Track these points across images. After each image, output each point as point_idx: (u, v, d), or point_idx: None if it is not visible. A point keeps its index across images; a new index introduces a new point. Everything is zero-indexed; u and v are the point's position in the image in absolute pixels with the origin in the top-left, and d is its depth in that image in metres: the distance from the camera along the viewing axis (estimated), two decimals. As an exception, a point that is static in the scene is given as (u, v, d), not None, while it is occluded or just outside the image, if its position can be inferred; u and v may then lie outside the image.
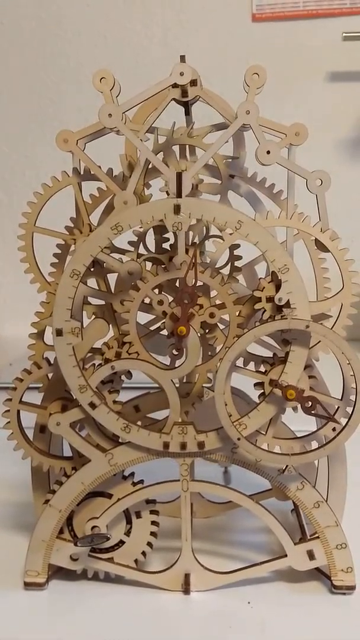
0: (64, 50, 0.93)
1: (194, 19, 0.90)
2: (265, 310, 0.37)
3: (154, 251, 0.41)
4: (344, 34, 0.83)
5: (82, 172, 0.39)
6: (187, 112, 0.41)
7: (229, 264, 0.42)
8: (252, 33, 0.89)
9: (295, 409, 0.38)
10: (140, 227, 0.41)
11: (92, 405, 0.37)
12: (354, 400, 0.37)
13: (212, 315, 0.37)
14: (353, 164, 0.90)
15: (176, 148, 0.41)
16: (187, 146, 0.41)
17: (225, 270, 0.41)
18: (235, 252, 0.42)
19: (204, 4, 0.89)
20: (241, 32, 0.89)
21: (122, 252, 0.41)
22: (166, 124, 0.41)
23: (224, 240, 0.39)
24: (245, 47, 0.89)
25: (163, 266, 0.37)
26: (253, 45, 0.89)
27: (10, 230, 0.96)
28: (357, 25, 0.85)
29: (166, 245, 0.41)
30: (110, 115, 0.36)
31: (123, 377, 0.40)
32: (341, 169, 0.89)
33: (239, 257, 0.42)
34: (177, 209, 0.35)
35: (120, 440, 0.39)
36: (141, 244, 0.42)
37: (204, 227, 0.42)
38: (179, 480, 0.39)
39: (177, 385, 0.38)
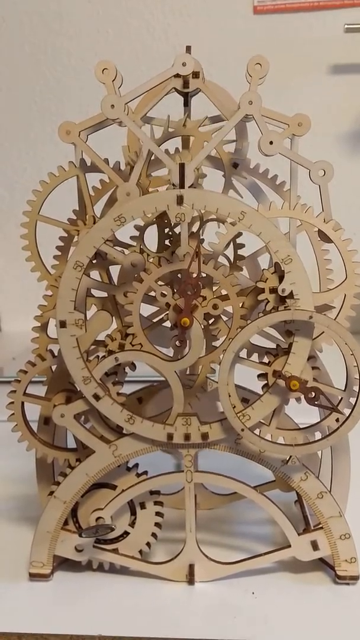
0: (65, 46, 0.93)
1: (195, 13, 0.90)
2: (268, 302, 0.37)
3: (153, 248, 0.41)
4: (346, 26, 0.83)
5: (89, 164, 0.39)
6: (186, 103, 0.41)
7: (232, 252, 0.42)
8: (253, 25, 0.89)
9: (298, 399, 0.38)
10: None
11: (96, 397, 0.38)
12: (357, 391, 0.37)
13: (215, 307, 0.37)
14: (355, 155, 0.90)
15: (178, 140, 0.41)
16: (185, 138, 0.41)
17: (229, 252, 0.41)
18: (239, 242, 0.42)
19: (205, -3, 0.89)
20: (243, 25, 0.89)
21: (125, 246, 0.41)
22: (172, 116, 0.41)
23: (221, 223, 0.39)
24: (247, 40, 0.88)
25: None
26: (254, 38, 0.89)
27: (12, 225, 0.96)
28: (359, 17, 0.85)
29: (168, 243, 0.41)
30: (112, 106, 0.36)
31: (127, 369, 0.40)
32: (343, 160, 0.89)
33: (242, 246, 0.41)
34: (180, 200, 0.35)
35: (124, 432, 0.39)
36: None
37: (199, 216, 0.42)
38: (182, 472, 0.39)
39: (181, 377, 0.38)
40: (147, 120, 0.40)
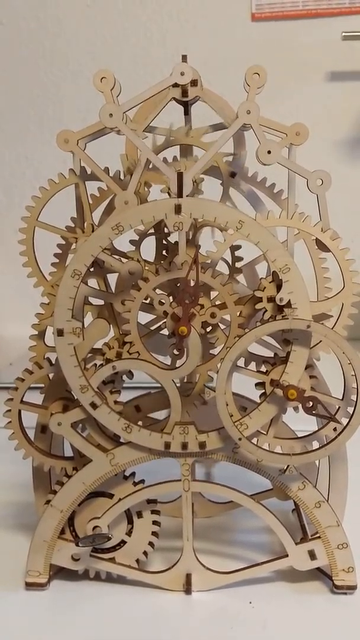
0: (64, 51, 0.93)
1: (193, 19, 0.90)
2: (266, 310, 0.37)
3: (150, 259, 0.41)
4: (344, 34, 0.83)
5: (89, 172, 0.39)
6: (187, 112, 0.41)
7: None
8: (251, 32, 0.89)
9: (296, 409, 0.38)
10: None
11: (93, 406, 0.37)
12: (355, 400, 0.37)
13: (213, 315, 0.37)
14: (353, 163, 0.90)
15: (176, 148, 0.42)
16: (184, 146, 0.41)
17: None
18: (236, 253, 0.42)
19: (204, 3, 0.89)
20: (240, 32, 0.89)
21: (123, 255, 0.41)
22: (167, 124, 0.41)
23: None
24: (245, 47, 0.89)
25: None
26: (252, 45, 0.89)
27: (10, 230, 0.95)
28: (356, 25, 0.86)
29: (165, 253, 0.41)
30: (111, 115, 0.36)
31: (124, 377, 0.40)
32: (341, 168, 0.89)
33: (238, 247, 0.41)
34: (178, 209, 0.35)
35: (121, 440, 0.39)
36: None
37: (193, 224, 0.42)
38: (180, 480, 0.39)
39: (178, 385, 0.38)
40: (149, 129, 0.40)
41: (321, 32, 0.87)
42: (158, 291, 0.37)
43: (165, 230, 0.41)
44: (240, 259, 0.42)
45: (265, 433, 0.38)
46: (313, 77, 0.89)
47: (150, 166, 0.38)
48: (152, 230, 0.42)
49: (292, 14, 0.87)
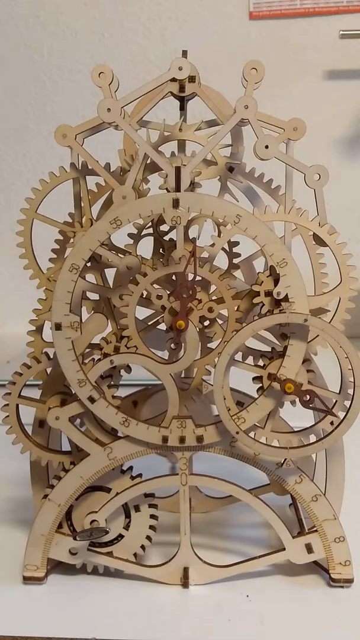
0: (62, 49, 0.93)
1: (191, 17, 0.90)
2: (263, 305, 0.37)
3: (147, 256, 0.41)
4: (341, 32, 0.83)
5: (90, 168, 0.39)
6: (182, 107, 0.41)
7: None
8: (249, 31, 0.89)
9: (293, 402, 0.38)
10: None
11: (91, 400, 0.37)
12: (351, 394, 0.37)
13: (210, 310, 0.37)
14: (350, 161, 0.90)
15: (175, 143, 0.42)
16: (181, 141, 0.41)
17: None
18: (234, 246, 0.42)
19: (202, 2, 0.90)
20: (238, 30, 0.89)
21: (120, 251, 0.41)
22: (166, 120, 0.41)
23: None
24: (243, 45, 0.89)
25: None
26: (250, 43, 0.89)
27: (7, 228, 0.96)
28: (354, 23, 0.86)
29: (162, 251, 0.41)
30: (109, 109, 0.36)
31: (122, 371, 0.40)
32: (338, 165, 0.89)
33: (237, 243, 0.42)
34: (176, 203, 0.35)
35: (119, 435, 0.39)
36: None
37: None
38: (177, 474, 0.39)
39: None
40: (143, 124, 0.40)
41: (319, 31, 0.88)
42: (156, 286, 0.38)
43: (161, 227, 0.42)
44: (236, 243, 0.42)
45: (262, 427, 0.38)
46: (310, 75, 0.89)
47: (149, 161, 0.39)
48: (149, 230, 0.42)
49: (289, 13, 0.88)
